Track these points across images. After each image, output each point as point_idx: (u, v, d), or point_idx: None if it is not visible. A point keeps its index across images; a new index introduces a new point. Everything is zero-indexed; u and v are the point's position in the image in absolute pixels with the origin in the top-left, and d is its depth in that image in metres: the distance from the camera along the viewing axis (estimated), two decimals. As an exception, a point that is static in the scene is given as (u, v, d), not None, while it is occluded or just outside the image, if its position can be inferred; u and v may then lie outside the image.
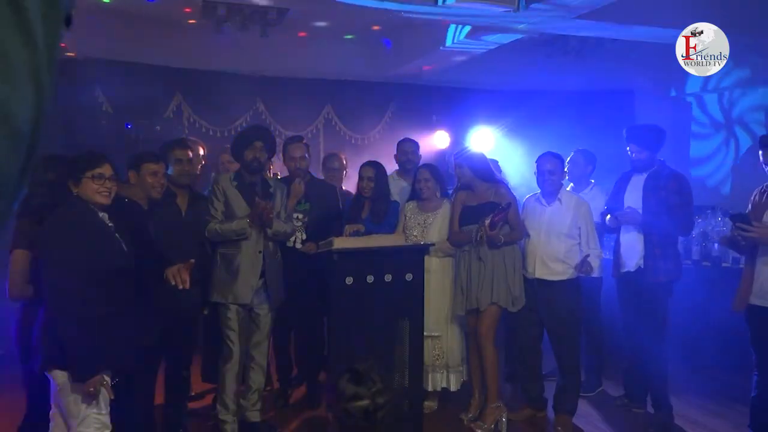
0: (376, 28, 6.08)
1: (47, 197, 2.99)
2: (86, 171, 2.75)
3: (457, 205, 4.22)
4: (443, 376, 4.29)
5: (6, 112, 0.39)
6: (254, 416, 3.94)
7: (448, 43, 5.82)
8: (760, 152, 3.60)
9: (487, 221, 3.89)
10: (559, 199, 4.07)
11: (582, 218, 4.03)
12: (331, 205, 4.49)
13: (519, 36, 5.58)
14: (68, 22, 0.48)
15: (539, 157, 4.11)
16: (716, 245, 5.25)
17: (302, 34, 6.19)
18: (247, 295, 3.78)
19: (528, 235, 4.10)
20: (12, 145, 0.41)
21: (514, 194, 4.24)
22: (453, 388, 4.30)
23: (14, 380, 3.41)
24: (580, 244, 4.03)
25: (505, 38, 5.64)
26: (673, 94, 7.37)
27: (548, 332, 4.15)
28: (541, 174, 4.06)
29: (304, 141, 4.60)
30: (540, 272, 4.04)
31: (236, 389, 3.82)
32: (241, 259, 3.78)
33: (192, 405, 4.31)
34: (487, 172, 4.17)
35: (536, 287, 4.06)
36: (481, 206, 4.05)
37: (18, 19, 0.40)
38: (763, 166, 3.60)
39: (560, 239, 4.01)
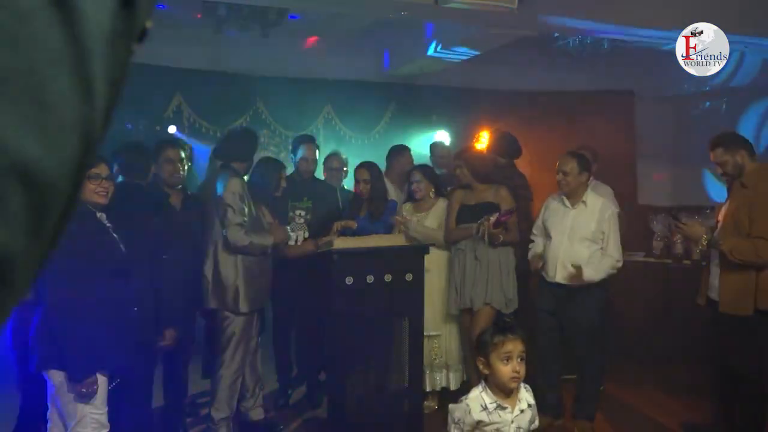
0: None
1: None
2: None
3: (454, 202, 4.20)
4: (443, 376, 4.29)
5: (35, 180, 0.31)
6: (257, 414, 3.94)
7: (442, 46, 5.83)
8: (711, 153, 3.68)
9: (492, 218, 3.87)
10: (584, 202, 3.97)
11: (607, 222, 3.92)
12: (332, 204, 4.50)
13: (519, 36, 5.57)
14: (142, 38, 0.40)
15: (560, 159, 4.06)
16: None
17: (312, 39, 6.19)
18: (267, 298, 3.81)
19: (549, 238, 4.02)
20: (33, 218, 0.32)
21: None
22: (453, 387, 4.29)
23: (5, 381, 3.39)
24: (602, 249, 3.92)
25: (505, 38, 5.63)
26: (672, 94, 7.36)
27: (569, 337, 4.05)
28: (558, 174, 4.01)
29: (316, 142, 4.69)
30: (561, 276, 3.94)
31: (236, 392, 3.82)
32: (265, 266, 3.81)
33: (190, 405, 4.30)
34: (486, 174, 4.15)
35: (556, 291, 3.98)
36: (480, 206, 4.03)
37: (81, 78, 0.32)
38: (714, 167, 3.74)
39: (583, 243, 3.90)
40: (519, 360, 2.32)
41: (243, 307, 3.72)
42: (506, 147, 4.60)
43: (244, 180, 3.82)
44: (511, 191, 4.17)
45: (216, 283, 3.71)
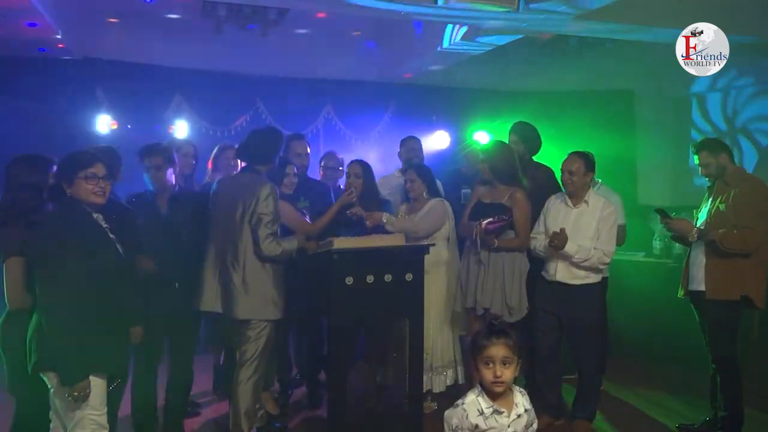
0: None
1: (34, 200, 2.95)
2: (78, 171, 2.70)
3: (473, 197, 4.19)
4: (429, 378, 4.26)
5: None
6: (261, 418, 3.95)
7: (445, 44, 5.80)
8: (696, 156, 3.94)
9: (484, 222, 3.85)
10: (586, 201, 3.96)
11: (603, 220, 3.91)
12: (326, 204, 4.50)
13: (519, 36, 5.57)
14: None
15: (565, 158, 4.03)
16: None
17: (303, 30, 6.17)
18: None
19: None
20: None
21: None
22: (436, 389, 4.28)
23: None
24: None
25: (504, 38, 5.63)
26: (675, 94, 7.36)
27: (568, 337, 4.03)
28: (562, 174, 3.98)
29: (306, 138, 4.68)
30: (561, 275, 3.93)
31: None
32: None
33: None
34: (507, 173, 4.09)
35: (556, 290, 3.96)
36: (493, 206, 4.00)
37: None
38: (698, 169, 3.96)
39: (585, 243, 3.87)
40: (502, 365, 2.29)
41: (275, 312, 3.64)
42: (532, 140, 4.55)
43: (273, 185, 3.66)
44: (528, 193, 4.07)
45: (247, 291, 3.57)
